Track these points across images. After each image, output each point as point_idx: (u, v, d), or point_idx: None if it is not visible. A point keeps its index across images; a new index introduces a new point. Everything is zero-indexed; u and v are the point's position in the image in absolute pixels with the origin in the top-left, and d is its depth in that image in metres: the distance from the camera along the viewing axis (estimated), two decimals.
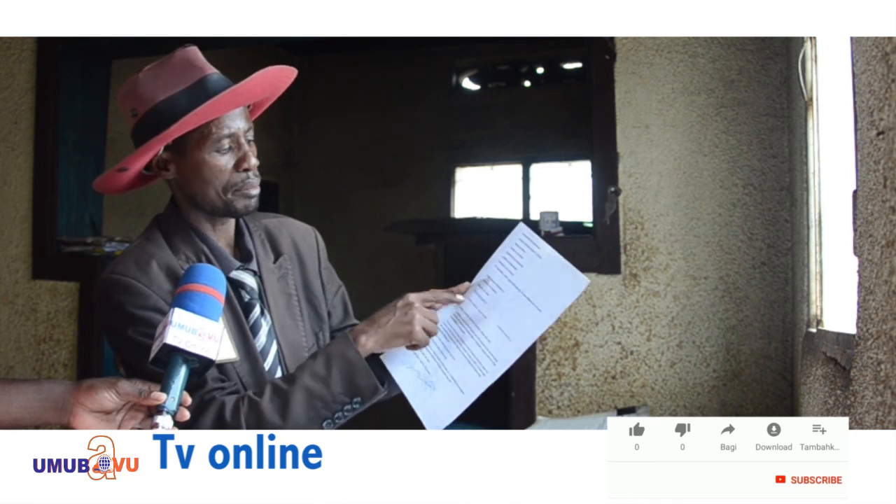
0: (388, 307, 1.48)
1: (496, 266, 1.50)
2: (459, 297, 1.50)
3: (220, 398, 1.43)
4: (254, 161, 1.50)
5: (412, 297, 1.48)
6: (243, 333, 1.52)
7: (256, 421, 1.41)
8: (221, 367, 1.46)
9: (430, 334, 1.47)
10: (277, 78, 1.56)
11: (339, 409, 1.44)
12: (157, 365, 1.18)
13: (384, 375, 1.52)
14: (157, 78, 1.48)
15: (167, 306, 1.45)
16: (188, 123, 1.44)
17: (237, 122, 1.49)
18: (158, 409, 1.14)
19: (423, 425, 1.44)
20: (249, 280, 1.57)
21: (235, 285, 1.54)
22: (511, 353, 1.44)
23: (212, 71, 1.50)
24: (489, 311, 1.47)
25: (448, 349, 1.48)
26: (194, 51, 1.52)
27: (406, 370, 1.49)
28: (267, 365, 1.54)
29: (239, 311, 1.53)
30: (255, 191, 1.52)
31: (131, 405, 1.19)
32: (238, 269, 1.56)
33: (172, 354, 1.16)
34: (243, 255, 1.58)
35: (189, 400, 1.18)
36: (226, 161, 1.49)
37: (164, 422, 1.14)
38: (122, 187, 1.57)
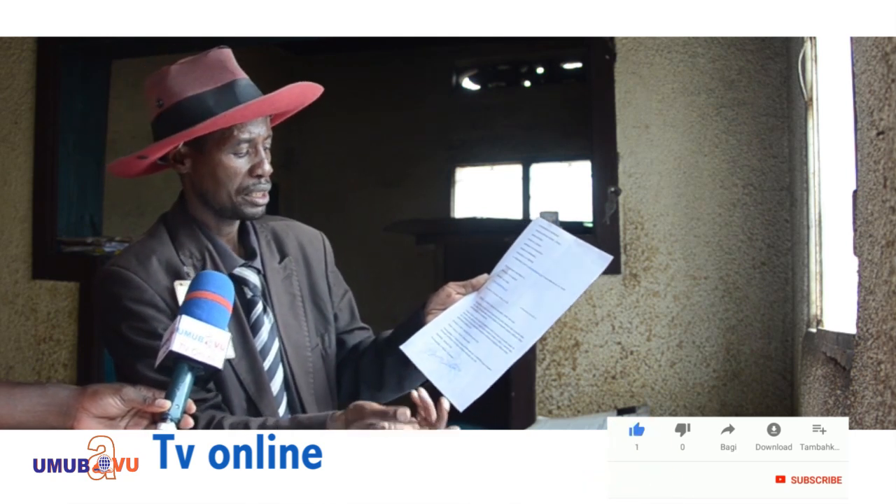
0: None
1: (514, 256, 1.52)
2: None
3: (196, 413, 1.41)
4: (268, 167, 1.53)
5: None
6: (243, 331, 1.53)
7: None
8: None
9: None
10: (304, 93, 1.59)
11: None
12: (162, 372, 1.18)
13: (405, 371, 1.53)
14: (189, 74, 1.50)
15: (163, 302, 1.46)
16: (215, 124, 1.47)
17: (258, 129, 1.52)
18: (162, 417, 1.14)
19: (453, 405, 1.42)
20: (252, 277, 1.58)
21: (238, 282, 1.55)
22: (536, 330, 1.45)
23: (242, 76, 1.53)
24: (510, 297, 1.49)
25: (470, 334, 1.49)
26: (228, 53, 1.54)
27: (429, 357, 1.49)
28: (267, 363, 1.55)
29: (240, 309, 1.53)
30: (264, 199, 1.54)
31: (135, 411, 1.19)
32: (241, 266, 1.57)
33: (178, 361, 1.16)
34: (247, 253, 1.60)
35: (193, 407, 1.18)
36: (241, 164, 1.51)
37: (168, 429, 1.13)
38: (136, 173, 1.60)
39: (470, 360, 1.46)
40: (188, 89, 1.49)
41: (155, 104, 1.52)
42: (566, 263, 1.46)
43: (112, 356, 1.54)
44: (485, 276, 1.54)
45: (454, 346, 1.49)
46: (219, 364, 1.18)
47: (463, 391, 1.45)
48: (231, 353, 1.49)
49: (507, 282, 1.50)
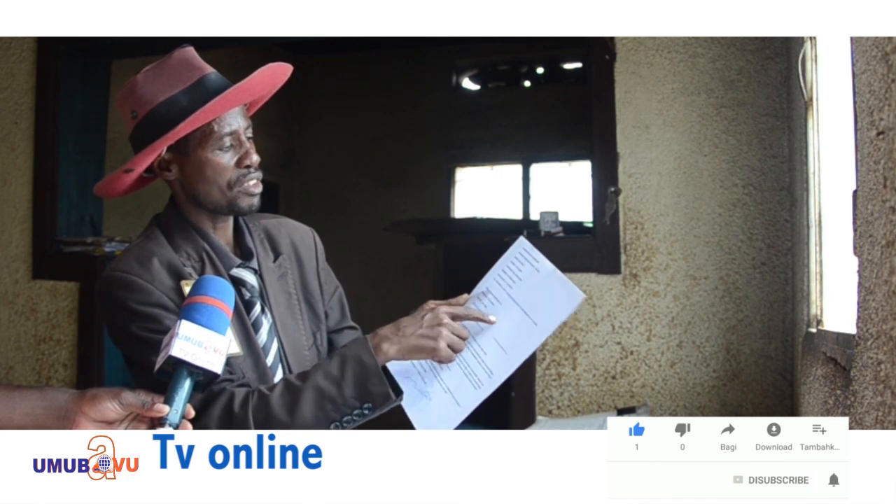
0: (416, 316, 1.45)
1: (495, 279, 1.49)
2: (492, 317, 1.46)
3: (229, 389, 1.43)
4: (255, 157, 1.51)
5: (442, 311, 1.44)
6: (245, 329, 1.53)
7: (264, 416, 1.40)
8: (227, 361, 1.45)
9: (455, 351, 1.44)
10: (275, 74, 1.57)
11: (349, 412, 1.42)
12: (161, 376, 1.17)
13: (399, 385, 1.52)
14: (157, 79, 1.49)
15: (170, 302, 1.46)
16: (195, 122, 1.45)
17: (237, 120, 1.51)
18: (161, 422, 1.14)
19: None
20: (250, 278, 1.57)
21: (236, 283, 1.54)
22: (507, 367, 1.44)
23: (210, 70, 1.52)
24: (486, 324, 1.47)
25: None
26: (191, 51, 1.53)
27: (404, 380, 1.48)
28: (268, 363, 1.55)
29: (241, 308, 1.53)
30: (258, 189, 1.53)
31: (134, 416, 1.18)
32: (239, 266, 1.56)
33: (177, 366, 1.16)
34: (244, 253, 1.59)
35: (192, 413, 1.18)
36: (228, 159, 1.50)
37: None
38: (123, 190, 1.58)
39: (441, 391, 1.46)
40: (159, 94, 1.48)
41: (129, 116, 1.51)
42: (542, 295, 1.44)
43: (126, 356, 1.53)
44: (465, 296, 1.51)
45: (428, 372, 1.48)
46: (218, 369, 1.17)
47: (431, 424, 1.44)
48: (238, 350, 1.49)
49: (485, 306, 1.48)
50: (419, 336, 1.43)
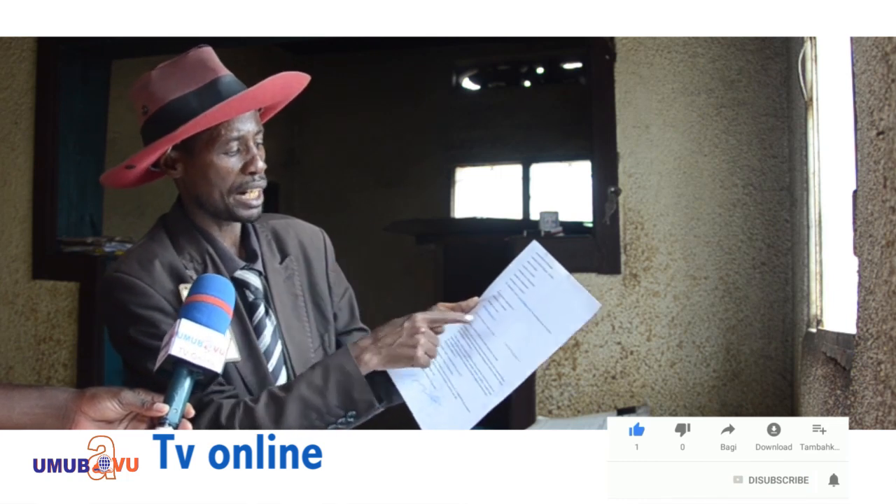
0: (394, 325, 1.46)
1: (507, 283, 1.47)
2: (468, 317, 1.47)
3: (217, 401, 1.43)
4: (261, 164, 1.50)
5: (419, 319, 1.45)
6: (246, 333, 1.52)
7: (250, 427, 1.40)
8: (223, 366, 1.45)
9: (430, 357, 1.45)
10: (290, 84, 1.56)
11: (334, 420, 1.43)
12: (161, 375, 1.17)
13: (382, 392, 1.50)
14: (170, 77, 1.48)
15: (169, 306, 1.46)
16: (197, 125, 1.45)
17: (247, 125, 1.49)
18: (161, 421, 1.14)
19: None
20: (254, 280, 1.57)
21: (240, 285, 1.54)
22: (518, 374, 1.42)
23: (224, 73, 1.50)
24: (497, 328, 1.45)
25: (454, 364, 1.46)
26: (209, 51, 1.52)
27: (412, 383, 1.47)
28: (271, 365, 1.54)
29: (242, 312, 1.53)
30: (258, 200, 1.52)
31: (133, 415, 1.18)
32: (242, 268, 1.56)
33: (177, 366, 1.16)
34: (248, 255, 1.58)
35: (192, 412, 1.17)
36: (232, 163, 1.49)
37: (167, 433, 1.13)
38: (131, 182, 1.58)
39: (451, 396, 1.44)
40: (170, 93, 1.47)
41: (141, 111, 1.51)
42: (556, 302, 1.41)
43: (123, 358, 1.53)
44: (475, 299, 1.49)
45: (437, 376, 1.46)
46: (218, 368, 1.17)
47: (441, 429, 1.42)
48: (236, 356, 1.48)
49: (496, 310, 1.46)
50: (399, 346, 1.44)
